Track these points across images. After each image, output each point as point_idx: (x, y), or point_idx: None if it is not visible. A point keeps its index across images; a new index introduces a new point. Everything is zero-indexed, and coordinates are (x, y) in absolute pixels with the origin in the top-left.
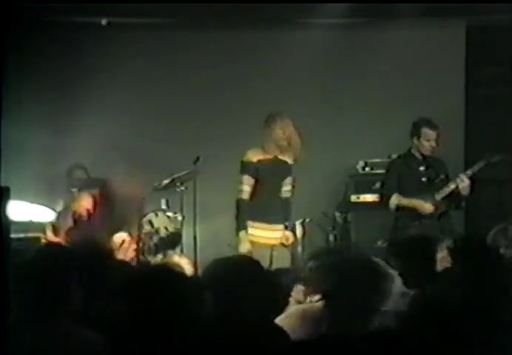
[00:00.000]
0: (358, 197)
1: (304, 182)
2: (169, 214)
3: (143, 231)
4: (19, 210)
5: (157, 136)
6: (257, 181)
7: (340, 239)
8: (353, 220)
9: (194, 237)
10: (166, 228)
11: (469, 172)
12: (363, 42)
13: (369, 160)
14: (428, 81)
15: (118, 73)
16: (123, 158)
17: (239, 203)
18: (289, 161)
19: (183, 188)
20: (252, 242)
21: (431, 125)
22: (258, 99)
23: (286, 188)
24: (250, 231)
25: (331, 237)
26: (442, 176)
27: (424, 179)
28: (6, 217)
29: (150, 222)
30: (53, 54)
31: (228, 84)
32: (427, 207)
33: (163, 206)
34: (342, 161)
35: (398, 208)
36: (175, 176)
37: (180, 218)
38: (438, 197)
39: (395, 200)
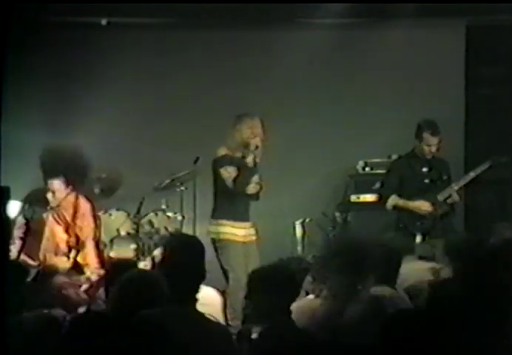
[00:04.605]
0: (358, 197)
1: (304, 182)
2: (169, 214)
3: (143, 231)
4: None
5: (158, 136)
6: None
7: None
8: (353, 220)
9: None
10: (166, 228)
11: (472, 174)
12: (363, 42)
13: (369, 160)
14: (428, 81)
15: (118, 73)
16: (123, 158)
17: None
18: (251, 164)
19: (183, 188)
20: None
21: (433, 130)
22: (258, 99)
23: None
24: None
25: (331, 237)
26: (445, 177)
27: (427, 180)
28: (6, 217)
29: (150, 222)
30: (53, 54)
31: (229, 84)
32: (424, 209)
33: (163, 206)
34: (342, 161)
35: (395, 208)
36: (175, 176)
37: (180, 218)
38: (440, 198)
39: (392, 201)
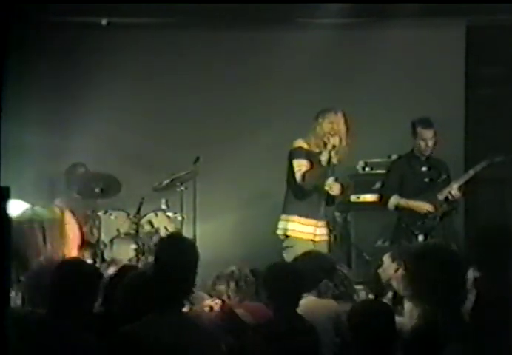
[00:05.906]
0: (358, 197)
1: None
2: (169, 214)
3: (143, 231)
4: (19, 210)
5: (158, 136)
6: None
7: (340, 239)
8: (353, 220)
9: (194, 237)
10: (166, 228)
11: (471, 172)
12: (363, 42)
13: (369, 160)
14: (427, 81)
15: (118, 73)
16: (123, 158)
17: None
18: (334, 161)
19: (183, 188)
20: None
21: (425, 124)
22: (258, 99)
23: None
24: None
25: (331, 237)
26: (445, 176)
27: (426, 179)
28: (6, 217)
29: (150, 223)
30: (53, 54)
31: (228, 84)
32: (426, 208)
33: (163, 206)
34: (342, 161)
35: (397, 208)
36: (175, 176)
37: (180, 218)
38: (440, 197)
39: (394, 200)
